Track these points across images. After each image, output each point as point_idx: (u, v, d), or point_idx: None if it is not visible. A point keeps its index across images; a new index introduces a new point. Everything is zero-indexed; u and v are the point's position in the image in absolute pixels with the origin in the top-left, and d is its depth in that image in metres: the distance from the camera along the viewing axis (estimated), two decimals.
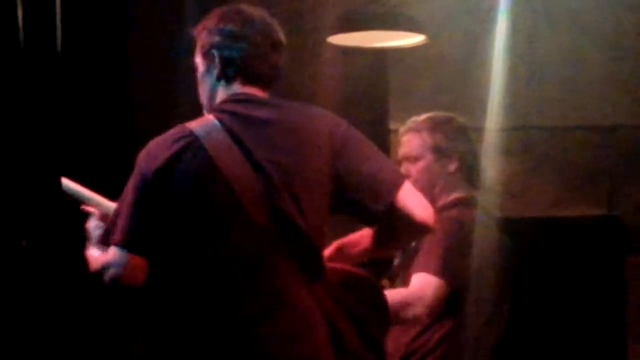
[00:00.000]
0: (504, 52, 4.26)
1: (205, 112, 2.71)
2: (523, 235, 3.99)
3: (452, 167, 3.46)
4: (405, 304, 3.24)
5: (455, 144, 3.46)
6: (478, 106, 4.29)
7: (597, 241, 4.85)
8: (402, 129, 3.54)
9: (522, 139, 4.91)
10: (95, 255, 2.68)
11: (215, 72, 2.66)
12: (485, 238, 3.36)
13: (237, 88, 2.65)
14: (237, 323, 2.51)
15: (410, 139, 3.48)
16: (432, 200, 3.41)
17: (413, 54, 4.83)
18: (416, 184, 3.37)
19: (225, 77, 2.66)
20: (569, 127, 4.97)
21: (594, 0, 4.74)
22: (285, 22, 5.01)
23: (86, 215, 2.90)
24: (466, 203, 3.44)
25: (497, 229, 3.51)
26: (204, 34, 2.70)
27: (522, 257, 3.70)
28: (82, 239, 2.87)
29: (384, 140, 3.83)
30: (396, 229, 2.64)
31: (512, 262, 3.59)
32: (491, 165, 4.06)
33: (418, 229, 2.64)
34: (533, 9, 4.76)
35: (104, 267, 2.61)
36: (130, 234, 2.58)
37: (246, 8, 2.70)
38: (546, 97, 4.89)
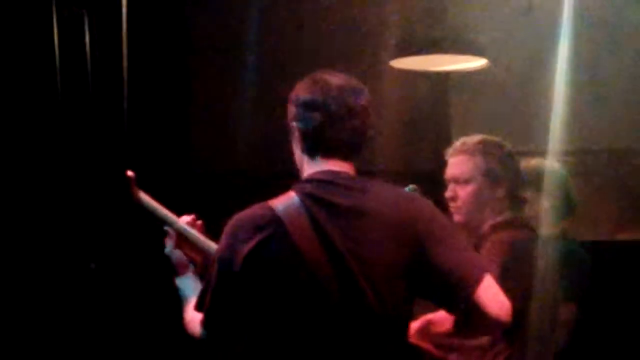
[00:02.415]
0: (566, 75, 4.24)
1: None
2: (585, 258, 3.98)
3: (501, 192, 3.42)
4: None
5: (506, 170, 3.44)
6: (539, 129, 4.28)
7: None
8: (451, 150, 3.49)
9: (584, 163, 4.88)
10: (192, 316, 2.72)
11: (298, 144, 2.66)
12: (545, 261, 3.36)
13: (321, 161, 2.63)
14: None
15: (461, 161, 3.44)
16: (480, 222, 3.42)
17: (474, 78, 4.84)
18: (464, 207, 3.40)
19: (306, 148, 2.64)
20: (631, 150, 4.94)
21: None
22: (347, 46, 5.10)
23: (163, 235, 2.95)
24: (515, 224, 3.41)
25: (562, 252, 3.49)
26: (289, 107, 2.68)
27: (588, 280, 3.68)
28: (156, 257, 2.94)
29: (445, 164, 3.83)
30: (471, 321, 2.60)
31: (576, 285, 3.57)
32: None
33: (491, 325, 2.59)
34: (595, 32, 4.75)
35: (191, 334, 2.70)
36: (210, 323, 2.63)
37: (325, 76, 2.65)
38: (608, 121, 4.87)
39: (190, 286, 2.87)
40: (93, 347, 4.12)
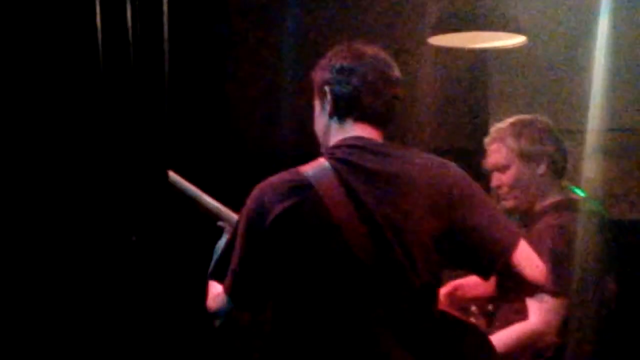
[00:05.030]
0: (604, 52, 4.22)
1: (322, 149, 2.68)
2: (626, 237, 3.95)
3: (542, 169, 3.42)
4: (538, 336, 3.22)
5: (541, 146, 3.42)
6: (578, 107, 4.26)
7: None
8: (487, 139, 3.50)
9: (623, 141, 4.86)
10: (212, 293, 2.70)
11: (328, 109, 2.64)
12: (588, 240, 3.35)
13: (351, 128, 2.62)
14: None
15: (496, 149, 3.45)
16: (529, 205, 3.42)
17: (513, 55, 4.82)
18: (510, 192, 3.42)
19: (338, 114, 2.62)
20: None
21: None
22: (386, 23, 5.10)
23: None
24: (565, 207, 3.41)
25: (600, 231, 3.48)
26: (318, 73, 2.68)
27: (625, 259, 3.67)
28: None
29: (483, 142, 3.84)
30: (507, 285, 2.64)
31: (616, 264, 3.56)
32: (592, 168, 4.04)
33: (528, 288, 2.66)
34: (635, 9, 4.71)
35: (212, 313, 2.68)
36: (237, 287, 2.61)
37: (358, 45, 2.66)
38: None
39: None
40: (135, 320, 4.17)
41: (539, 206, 3.42)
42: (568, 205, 3.41)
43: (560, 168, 3.47)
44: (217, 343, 4.44)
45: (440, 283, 2.64)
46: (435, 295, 2.62)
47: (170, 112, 3.91)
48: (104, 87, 4.07)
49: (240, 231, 2.59)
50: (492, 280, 2.68)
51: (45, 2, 4.09)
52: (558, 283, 3.19)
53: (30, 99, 4.26)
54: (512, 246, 2.55)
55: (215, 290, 2.66)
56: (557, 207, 3.40)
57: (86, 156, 4.27)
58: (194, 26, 4.85)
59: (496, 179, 3.47)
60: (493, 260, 2.56)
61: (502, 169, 3.45)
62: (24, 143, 4.28)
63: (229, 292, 2.61)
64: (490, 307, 3.36)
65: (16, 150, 4.26)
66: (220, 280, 2.65)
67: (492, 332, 3.15)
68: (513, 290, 2.69)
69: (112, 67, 4.07)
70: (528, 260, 2.58)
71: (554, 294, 3.21)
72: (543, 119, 3.49)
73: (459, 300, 2.87)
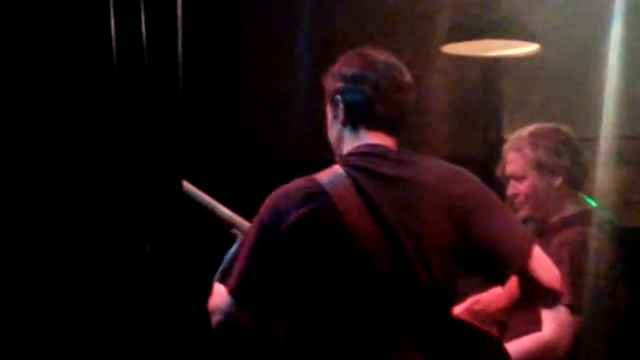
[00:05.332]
0: (618, 60, 4.21)
1: (336, 157, 2.68)
2: None
3: (557, 182, 3.39)
4: (552, 347, 3.23)
5: (558, 158, 3.38)
6: (592, 115, 4.26)
7: None
8: (506, 147, 3.49)
9: (637, 148, 4.85)
10: (217, 290, 2.67)
11: (340, 117, 2.64)
12: (603, 249, 3.34)
13: (364, 135, 2.62)
14: None
15: (514, 158, 3.43)
16: (545, 215, 3.41)
17: (526, 63, 4.82)
18: (526, 202, 3.41)
19: (350, 122, 2.62)
20: None
21: None
22: (399, 31, 5.10)
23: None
24: (582, 220, 3.39)
25: (615, 239, 3.46)
26: (329, 81, 2.67)
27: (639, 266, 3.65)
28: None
29: (497, 150, 3.83)
30: (524, 292, 2.62)
31: (630, 273, 3.54)
32: (607, 175, 4.03)
33: (545, 295, 2.61)
34: None
35: (212, 311, 2.64)
36: (242, 288, 2.57)
37: (369, 51, 2.66)
38: None
39: None
40: (150, 329, 4.17)
41: (555, 218, 3.40)
42: (585, 219, 3.39)
43: (578, 180, 3.44)
44: (229, 351, 4.43)
45: (455, 290, 2.64)
46: (451, 302, 2.62)
47: (184, 121, 3.91)
48: (118, 97, 4.08)
49: (251, 236, 2.59)
50: (513, 292, 2.67)
51: (58, 9, 4.10)
52: (576, 299, 3.20)
53: (43, 108, 4.28)
54: (528, 252, 2.54)
55: (219, 291, 2.64)
56: (575, 221, 3.37)
57: (100, 166, 4.28)
58: (206, 34, 4.86)
59: (513, 187, 3.45)
60: (508, 266, 2.55)
61: (519, 178, 3.43)
62: (38, 152, 4.30)
63: (233, 292, 2.57)
64: (502, 317, 3.35)
65: (30, 158, 4.28)
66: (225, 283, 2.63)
67: (504, 342, 3.14)
68: (528, 299, 2.68)
69: (126, 75, 4.08)
70: (544, 266, 2.57)
71: (572, 309, 3.21)
72: (564, 129, 3.45)
73: (479, 315, 2.86)
